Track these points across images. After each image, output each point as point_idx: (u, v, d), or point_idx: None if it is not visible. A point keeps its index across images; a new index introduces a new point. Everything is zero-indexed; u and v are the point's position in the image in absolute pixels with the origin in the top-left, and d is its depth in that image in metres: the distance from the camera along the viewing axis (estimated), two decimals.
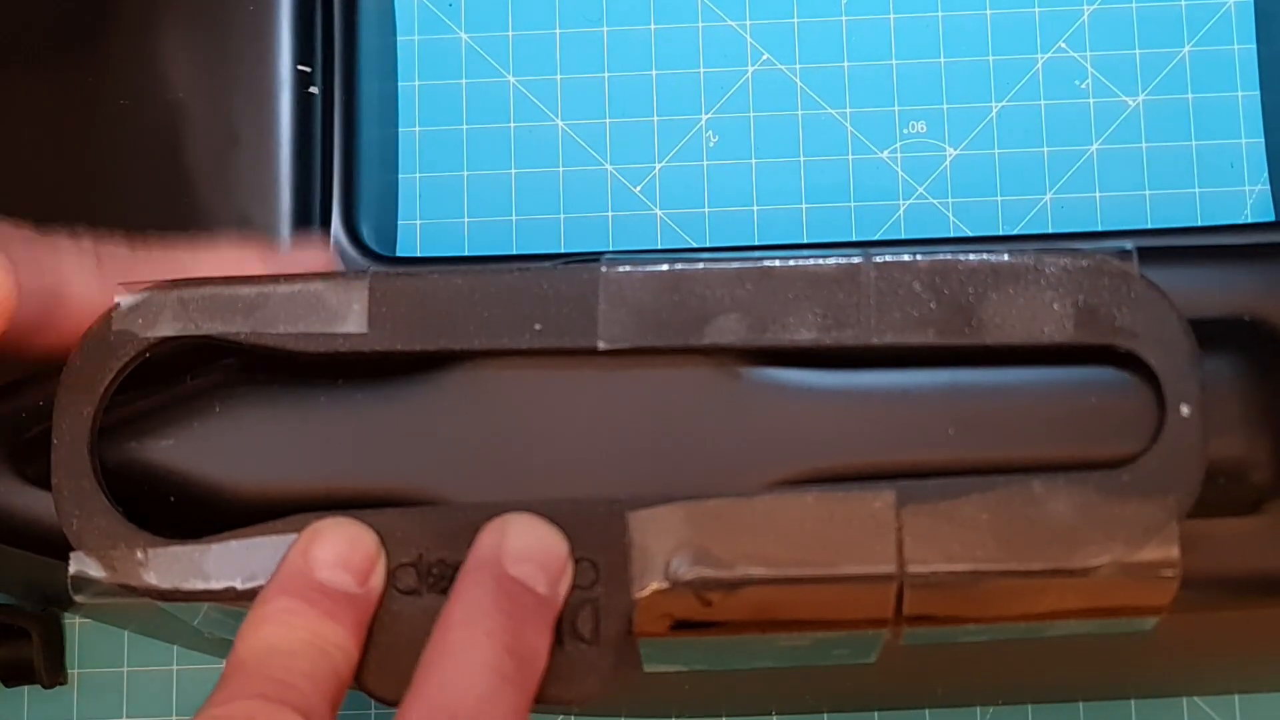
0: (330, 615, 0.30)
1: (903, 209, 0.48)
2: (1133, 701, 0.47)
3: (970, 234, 0.48)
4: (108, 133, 0.42)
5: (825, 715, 0.48)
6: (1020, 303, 0.32)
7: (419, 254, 0.49)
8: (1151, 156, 0.48)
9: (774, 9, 0.49)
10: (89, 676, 0.48)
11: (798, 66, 0.49)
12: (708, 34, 0.50)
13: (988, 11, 0.49)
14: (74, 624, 0.48)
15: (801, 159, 0.49)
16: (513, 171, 0.49)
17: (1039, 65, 0.49)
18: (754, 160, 0.49)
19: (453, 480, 0.33)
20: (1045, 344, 0.32)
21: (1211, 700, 0.47)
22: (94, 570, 0.32)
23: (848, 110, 0.49)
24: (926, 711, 0.47)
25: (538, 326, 0.32)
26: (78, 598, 0.32)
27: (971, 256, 0.32)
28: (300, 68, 0.42)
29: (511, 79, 0.50)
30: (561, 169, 0.49)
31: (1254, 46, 0.48)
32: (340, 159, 0.42)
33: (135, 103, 0.42)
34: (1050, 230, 0.48)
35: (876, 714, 0.47)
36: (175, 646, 0.48)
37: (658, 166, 0.49)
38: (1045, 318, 0.32)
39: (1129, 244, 0.32)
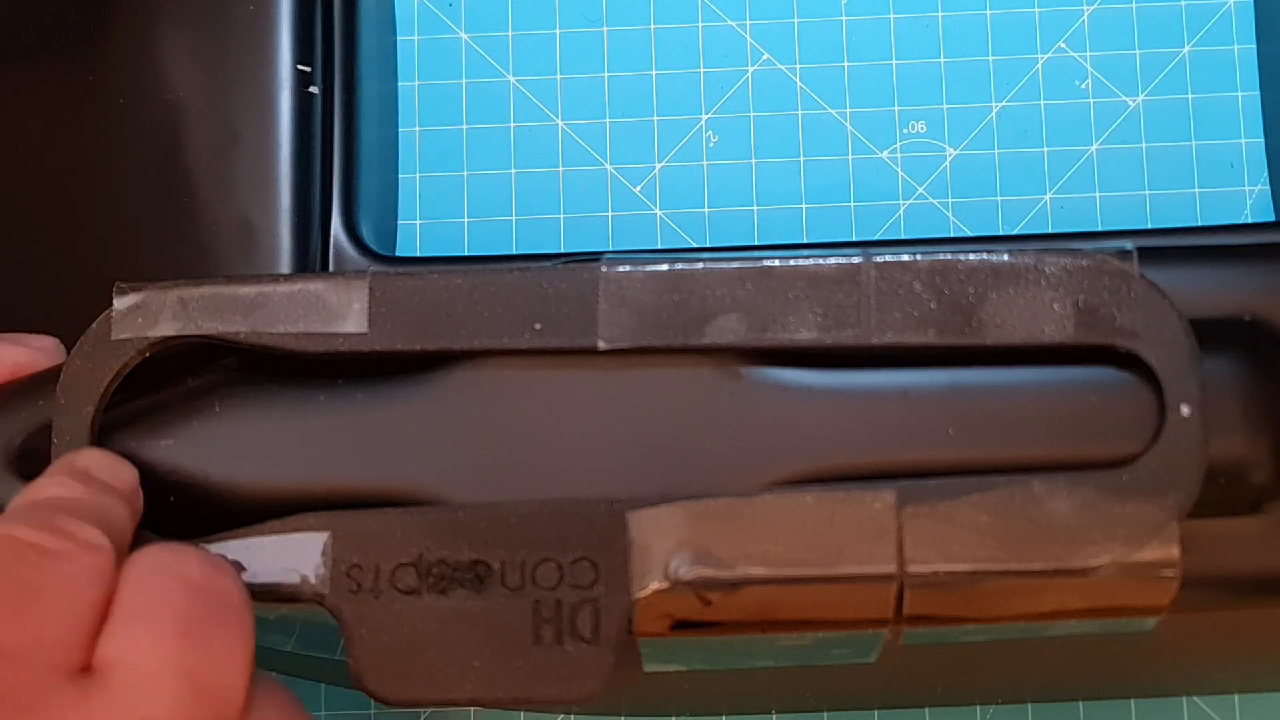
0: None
1: (903, 209, 0.48)
2: (1132, 701, 0.47)
3: (970, 234, 0.48)
4: (106, 132, 0.42)
5: (825, 715, 0.47)
6: (1020, 303, 0.32)
7: (419, 254, 0.49)
8: (1151, 156, 0.48)
9: (774, 9, 0.49)
10: None
11: (798, 66, 0.49)
12: (708, 34, 0.50)
13: (988, 11, 0.49)
14: None
15: (801, 159, 0.49)
16: (513, 171, 0.49)
17: (1039, 65, 0.49)
18: (754, 160, 0.49)
19: (453, 480, 0.33)
20: (1045, 344, 0.32)
21: (1211, 700, 0.47)
22: None
23: (848, 110, 0.49)
24: (926, 711, 0.47)
25: (538, 326, 0.32)
26: None
27: (972, 256, 0.32)
28: (300, 67, 0.42)
29: (511, 79, 0.50)
30: (561, 169, 0.49)
31: (1254, 46, 0.48)
32: (340, 159, 0.42)
33: (134, 102, 0.42)
34: (1050, 230, 0.48)
35: (876, 714, 0.47)
36: None
37: (658, 166, 0.49)
38: (1045, 318, 0.32)
39: (1129, 244, 0.32)
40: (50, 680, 0.28)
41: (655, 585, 0.31)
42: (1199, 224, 0.48)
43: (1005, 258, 0.32)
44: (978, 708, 0.47)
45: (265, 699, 0.30)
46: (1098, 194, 0.48)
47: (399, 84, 0.50)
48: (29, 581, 0.29)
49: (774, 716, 0.48)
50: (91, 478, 0.31)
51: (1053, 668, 0.42)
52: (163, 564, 0.30)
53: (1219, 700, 0.47)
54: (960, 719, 0.47)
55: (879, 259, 0.32)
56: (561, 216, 0.49)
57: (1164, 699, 0.47)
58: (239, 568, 0.32)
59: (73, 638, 0.29)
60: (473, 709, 0.47)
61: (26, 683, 0.28)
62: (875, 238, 0.48)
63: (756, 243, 0.49)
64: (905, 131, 0.49)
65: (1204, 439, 0.31)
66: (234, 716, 0.29)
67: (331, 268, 0.41)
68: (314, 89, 0.42)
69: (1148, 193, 0.48)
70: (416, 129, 0.49)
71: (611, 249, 0.49)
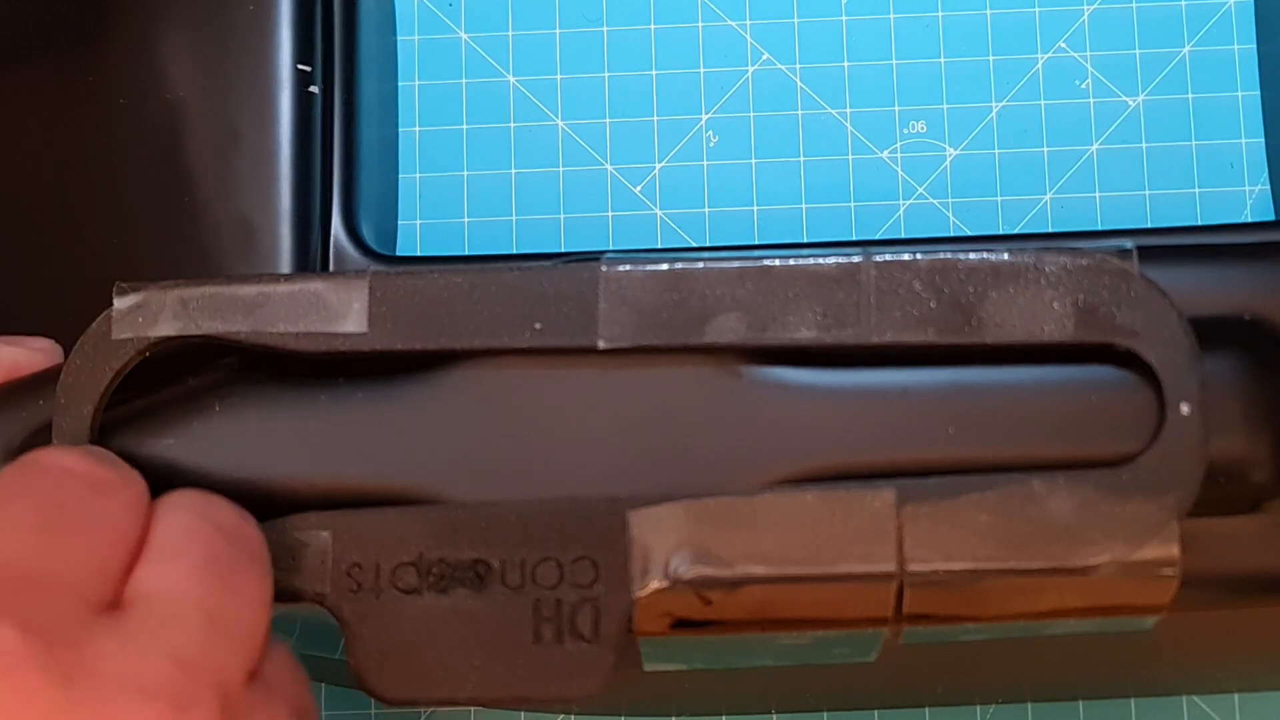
0: None
1: (903, 209, 0.49)
2: (1132, 701, 0.47)
3: (970, 234, 0.48)
4: (107, 132, 0.42)
5: (825, 715, 0.48)
6: (1020, 302, 0.32)
7: (419, 254, 0.49)
8: (1151, 156, 0.48)
9: (774, 9, 0.50)
10: None
11: (798, 66, 0.49)
12: (708, 34, 0.50)
13: (988, 11, 0.49)
14: None
15: (801, 159, 0.49)
16: (513, 171, 0.49)
17: (1039, 65, 0.49)
18: (754, 160, 0.49)
19: (453, 479, 0.33)
20: (1045, 343, 0.32)
21: (1210, 699, 0.47)
22: None
23: (848, 110, 0.49)
24: (926, 711, 0.47)
25: (538, 325, 0.32)
26: None
27: (971, 255, 0.32)
28: (300, 67, 0.42)
29: (511, 79, 0.50)
30: (561, 169, 0.49)
31: (1254, 47, 0.48)
32: (340, 159, 0.43)
33: (134, 102, 0.42)
34: (1050, 230, 0.48)
35: (876, 714, 0.47)
36: None
37: (658, 166, 0.49)
38: (1045, 316, 0.32)
39: (1129, 243, 0.32)
40: (83, 613, 0.28)
41: (655, 584, 0.31)
42: (1199, 224, 0.48)
43: (1005, 257, 0.32)
44: (977, 708, 0.47)
45: (274, 650, 0.31)
46: (1098, 194, 0.48)
47: (399, 84, 0.50)
48: (72, 511, 0.29)
49: (774, 717, 0.48)
50: None
51: (1053, 667, 0.42)
52: (197, 506, 0.30)
53: (1219, 700, 0.47)
54: (960, 719, 0.47)
55: (879, 258, 0.32)
56: (561, 216, 0.49)
57: (1164, 699, 0.47)
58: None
59: (107, 571, 0.29)
60: (472, 709, 0.47)
61: (60, 614, 0.28)
62: (875, 238, 0.48)
63: (756, 243, 0.49)
64: (905, 131, 0.49)
65: (1204, 438, 0.31)
66: (254, 660, 0.30)
67: (332, 267, 0.41)
68: (314, 89, 0.42)
69: (1148, 193, 0.48)
70: (417, 129, 0.49)
71: (612, 249, 0.49)
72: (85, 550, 0.29)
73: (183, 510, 0.30)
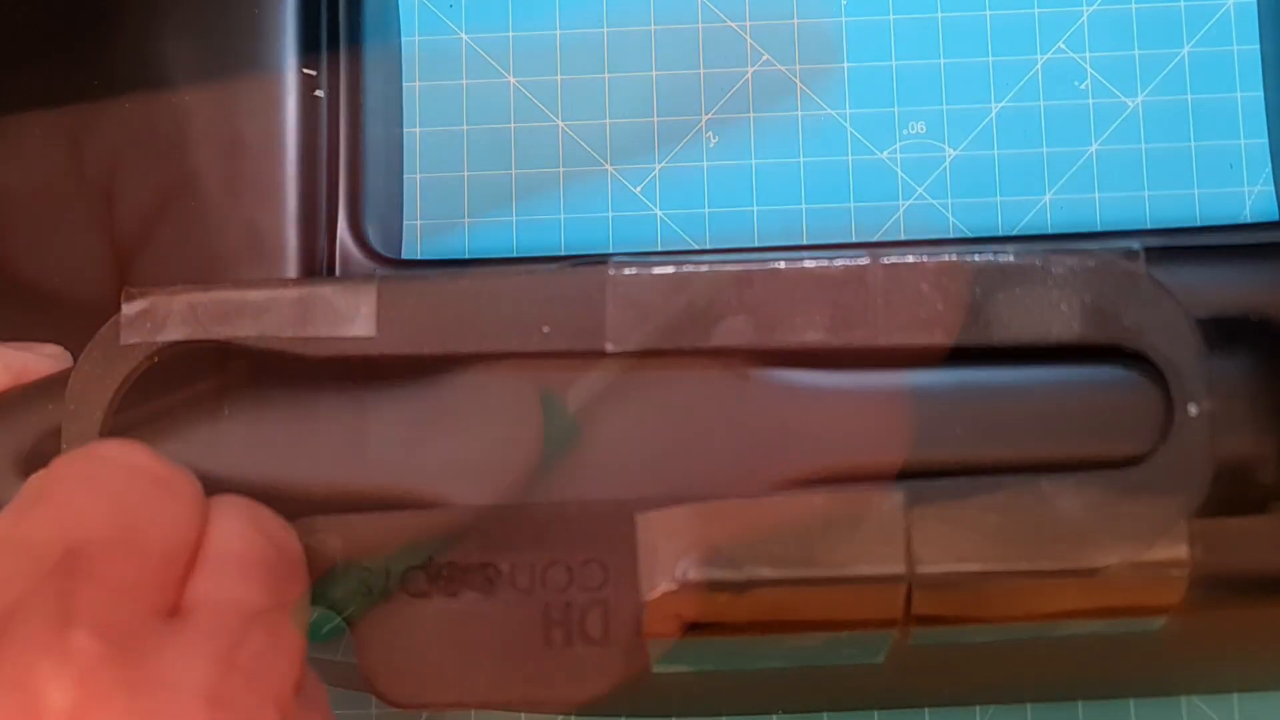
0: None
1: (902, 209, 0.49)
2: (1131, 702, 0.47)
3: (970, 234, 0.48)
4: (111, 136, 0.42)
5: (825, 717, 0.48)
6: (1027, 303, 0.32)
7: (419, 255, 0.49)
8: (1151, 157, 0.48)
9: (774, 9, 0.50)
10: None
11: (798, 67, 0.49)
12: (708, 34, 0.50)
13: (988, 12, 0.49)
14: None
15: (801, 159, 0.49)
16: (513, 172, 0.49)
17: (1039, 66, 0.49)
18: (754, 160, 0.49)
19: (461, 483, 0.33)
20: (1052, 343, 0.32)
21: (1210, 700, 0.47)
22: None
23: (848, 110, 0.49)
24: (926, 711, 0.47)
25: (545, 329, 0.32)
26: None
27: (978, 257, 0.32)
28: (305, 71, 0.42)
29: (512, 79, 0.50)
30: (561, 169, 0.49)
31: (1254, 47, 0.49)
32: (346, 162, 0.43)
33: (139, 106, 0.42)
34: (1050, 231, 0.48)
35: (876, 715, 0.47)
36: None
37: (658, 167, 0.49)
38: (1052, 317, 0.32)
39: (1136, 244, 0.32)
40: (151, 618, 0.28)
41: (664, 587, 0.31)
42: (1199, 224, 0.48)
43: (1011, 258, 0.32)
44: (977, 708, 0.47)
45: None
46: (1097, 194, 0.48)
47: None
48: (141, 510, 0.29)
49: (775, 717, 0.48)
50: None
51: (1056, 666, 0.42)
52: (248, 514, 0.30)
53: (1218, 701, 0.47)
54: (959, 719, 0.47)
55: (886, 260, 0.32)
56: (562, 217, 0.49)
57: (1163, 700, 0.47)
58: None
59: (172, 574, 0.29)
60: (472, 710, 0.47)
61: (132, 619, 0.28)
62: (875, 238, 0.48)
63: (756, 243, 0.49)
64: (905, 132, 0.49)
65: (1212, 438, 0.31)
66: (300, 671, 0.29)
67: (338, 271, 0.41)
68: (319, 93, 0.42)
69: (1147, 193, 0.48)
70: (417, 129, 0.49)
71: (612, 249, 0.49)
72: (154, 552, 0.29)
73: (236, 518, 0.30)
